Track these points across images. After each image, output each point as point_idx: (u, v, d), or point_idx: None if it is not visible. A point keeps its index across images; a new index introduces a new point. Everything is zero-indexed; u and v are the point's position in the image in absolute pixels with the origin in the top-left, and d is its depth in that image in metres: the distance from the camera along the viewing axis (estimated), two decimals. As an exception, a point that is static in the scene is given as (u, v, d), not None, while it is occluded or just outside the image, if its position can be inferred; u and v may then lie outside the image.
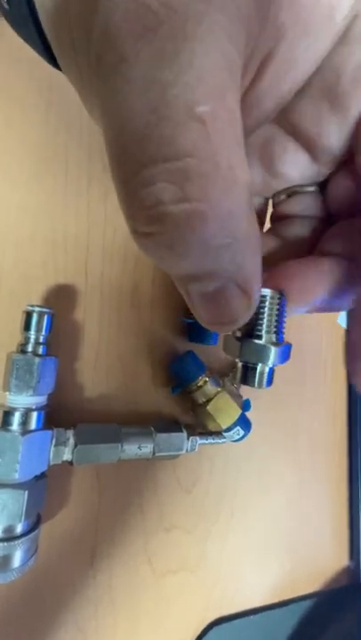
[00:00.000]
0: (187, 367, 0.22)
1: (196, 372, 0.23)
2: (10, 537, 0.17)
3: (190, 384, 0.23)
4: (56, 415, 0.21)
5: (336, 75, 0.09)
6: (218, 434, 0.24)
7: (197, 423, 0.25)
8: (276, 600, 0.29)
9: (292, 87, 0.09)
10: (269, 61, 0.09)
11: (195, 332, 0.22)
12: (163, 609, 0.24)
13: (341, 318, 0.34)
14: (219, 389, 0.23)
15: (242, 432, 0.24)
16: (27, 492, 0.17)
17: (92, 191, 0.24)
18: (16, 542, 0.17)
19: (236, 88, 0.08)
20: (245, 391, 0.27)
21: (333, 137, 0.10)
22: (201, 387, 0.22)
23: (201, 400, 0.23)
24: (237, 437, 0.24)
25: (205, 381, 0.22)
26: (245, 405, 0.24)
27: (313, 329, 0.33)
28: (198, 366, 0.23)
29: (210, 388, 0.22)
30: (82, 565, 0.22)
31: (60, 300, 0.22)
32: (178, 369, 0.23)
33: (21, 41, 0.12)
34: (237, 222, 0.08)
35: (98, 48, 0.08)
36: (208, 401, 0.22)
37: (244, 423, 0.24)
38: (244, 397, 0.26)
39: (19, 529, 0.17)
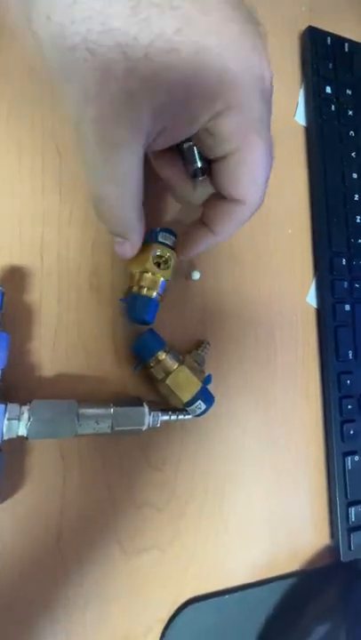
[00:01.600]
0: (145, 344, 0.23)
1: (154, 348, 0.23)
2: None
3: (149, 360, 0.23)
4: (13, 394, 0.21)
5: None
6: (181, 410, 0.24)
7: (162, 401, 0.25)
8: (255, 580, 0.29)
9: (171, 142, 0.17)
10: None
11: (129, 310, 0.22)
12: (135, 589, 0.24)
13: (311, 297, 0.35)
14: (178, 364, 0.23)
15: (203, 406, 0.24)
16: (-23, 465, 0.17)
17: (47, 171, 0.24)
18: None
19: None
20: (211, 368, 0.27)
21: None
22: (160, 361, 0.23)
23: (160, 375, 0.23)
24: (200, 411, 0.24)
25: (164, 357, 0.23)
26: (207, 379, 0.25)
27: (283, 308, 0.33)
28: (157, 342, 0.23)
29: (169, 362, 0.23)
30: (48, 545, 0.22)
31: (15, 280, 0.23)
32: (137, 347, 0.23)
33: None
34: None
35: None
36: (167, 375, 0.22)
37: (206, 397, 0.24)
38: (208, 373, 0.27)
39: (-30, 502, 0.17)
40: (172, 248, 0.22)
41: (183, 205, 0.28)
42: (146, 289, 0.21)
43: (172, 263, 0.21)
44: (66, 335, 0.24)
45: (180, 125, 0.16)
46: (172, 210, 0.28)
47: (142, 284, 0.21)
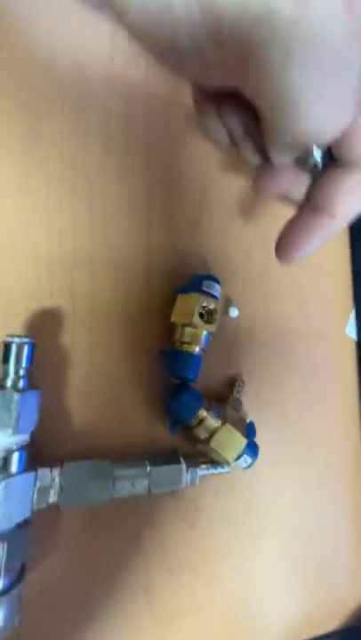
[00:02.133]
0: (184, 404, 0.20)
1: (194, 407, 0.20)
2: (-12, 596, 0.15)
3: (190, 421, 0.21)
4: (41, 451, 0.20)
5: None
6: (221, 463, 0.22)
7: (198, 452, 0.23)
8: (292, 640, 0.27)
9: None
10: None
11: (170, 366, 0.20)
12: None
13: (351, 329, 0.32)
14: (220, 422, 0.21)
15: (249, 460, 0.22)
16: (6, 544, 0.15)
17: (77, 206, 0.23)
18: (-5, 602, 0.15)
19: None
20: (249, 408, 0.25)
21: None
22: (202, 421, 0.20)
23: (203, 436, 0.21)
24: (245, 465, 0.22)
25: (205, 415, 0.21)
26: (250, 431, 0.23)
27: (322, 340, 0.31)
28: (197, 400, 0.21)
29: (211, 421, 0.20)
30: (76, 618, 0.20)
31: (46, 323, 0.21)
32: (175, 407, 0.21)
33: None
34: None
35: None
36: (211, 436, 0.20)
37: (252, 450, 0.22)
38: (249, 419, 0.25)
39: (-1, 586, 0.16)
40: (216, 298, 0.20)
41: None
42: (188, 344, 0.19)
43: (217, 316, 0.19)
44: (96, 381, 0.22)
45: None
46: (231, 230, 0.26)
47: (184, 339, 0.19)
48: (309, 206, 0.17)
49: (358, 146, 0.14)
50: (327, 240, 0.17)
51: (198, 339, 0.19)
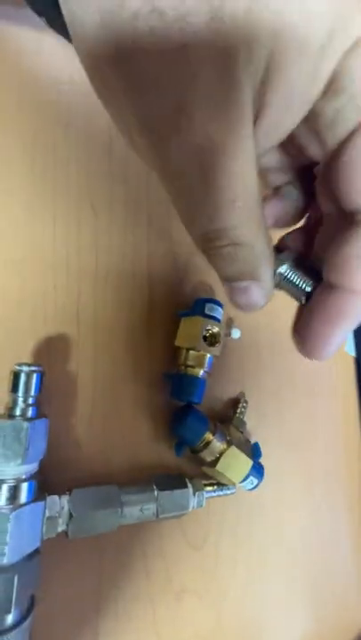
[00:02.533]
0: (190, 427, 0.21)
1: (200, 430, 0.21)
2: (-2, 630, 0.15)
3: (195, 444, 0.21)
4: (49, 478, 0.20)
5: (316, 120, 0.12)
6: (227, 484, 0.22)
7: (204, 474, 0.23)
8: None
9: (281, 136, 0.13)
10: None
11: (175, 390, 0.20)
12: None
13: (349, 346, 0.33)
14: (226, 445, 0.21)
15: (255, 481, 0.22)
16: (17, 577, 0.15)
17: (82, 237, 0.23)
18: (5, 637, 0.15)
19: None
20: (251, 427, 0.26)
21: (313, 153, 0.14)
22: (207, 444, 0.21)
23: (209, 459, 0.21)
24: (251, 487, 0.22)
25: (211, 438, 0.21)
26: (256, 452, 0.23)
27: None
28: (202, 423, 0.21)
29: (217, 444, 0.21)
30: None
31: (52, 351, 0.21)
32: (181, 430, 0.21)
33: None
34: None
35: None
36: (217, 459, 0.21)
37: (257, 471, 0.22)
38: (253, 439, 0.25)
39: (9, 620, 0.15)
40: (219, 320, 0.20)
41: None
42: (192, 367, 0.19)
43: (220, 338, 0.20)
44: (102, 407, 0.22)
45: (297, 84, 0.11)
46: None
47: (189, 362, 0.19)
48: (323, 286, 0.14)
49: None
50: (355, 321, 0.13)
51: (203, 362, 0.20)
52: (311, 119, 0.12)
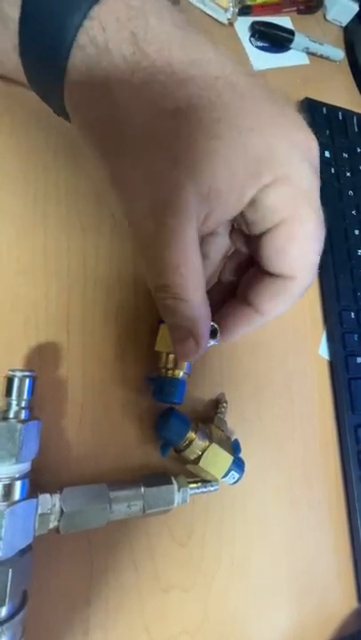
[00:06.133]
0: (173, 428, 0.22)
1: (182, 431, 0.22)
2: (-7, 623, 0.16)
3: (179, 444, 0.22)
4: (41, 478, 0.21)
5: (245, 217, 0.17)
6: (210, 481, 0.24)
7: (189, 472, 0.24)
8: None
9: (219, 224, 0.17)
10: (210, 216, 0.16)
11: (156, 392, 0.22)
12: None
13: (323, 349, 0.35)
14: (207, 442, 0.22)
15: (236, 475, 0.23)
16: (11, 571, 0.16)
17: (72, 250, 0.25)
18: (0, 629, 0.16)
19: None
20: (233, 427, 0.27)
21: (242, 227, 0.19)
22: (191, 443, 0.22)
23: (192, 457, 0.22)
24: (233, 481, 0.23)
25: (194, 437, 0.22)
26: (236, 448, 0.24)
27: (297, 362, 0.33)
28: (184, 424, 0.22)
29: (199, 442, 0.22)
30: (74, 636, 0.21)
31: (43, 357, 0.23)
32: (165, 431, 0.22)
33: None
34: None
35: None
36: (199, 457, 0.22)
37: (238, 466, 0.23)
38: (233, 437, 0.26)
39: (3, 613, 0.16)
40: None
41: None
42: (172, 370, 0.21)
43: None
44: (92, 411, 0.23)
45: (226, 205, 0.15)
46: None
47: (169, 365, 0.21)
48: (243, 297, 0.19)
49: (287, 257, 0.17)
50: (254, 329, 0.20)
51: (182, 364, 0.21)
52: (241, 217, 0.17)
